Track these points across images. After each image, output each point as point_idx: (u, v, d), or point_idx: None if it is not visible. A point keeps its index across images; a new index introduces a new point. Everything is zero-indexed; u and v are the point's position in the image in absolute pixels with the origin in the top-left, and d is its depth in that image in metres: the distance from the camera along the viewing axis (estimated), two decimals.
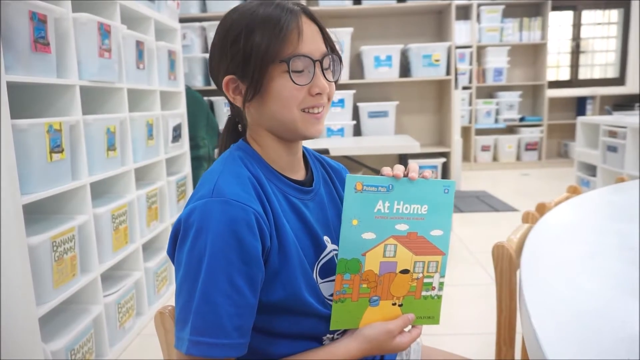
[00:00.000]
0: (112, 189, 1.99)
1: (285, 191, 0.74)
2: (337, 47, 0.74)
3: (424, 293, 0.74)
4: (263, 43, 0.67)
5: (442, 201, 0.70)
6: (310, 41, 0.69)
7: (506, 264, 0.89)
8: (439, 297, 0.75)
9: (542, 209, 1.24)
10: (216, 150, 0.84)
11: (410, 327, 0.76)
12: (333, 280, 0.75)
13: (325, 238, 0.77)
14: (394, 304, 0.74)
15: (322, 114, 0.73)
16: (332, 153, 2.45)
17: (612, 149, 3.49)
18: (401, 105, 3.44)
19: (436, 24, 3.48)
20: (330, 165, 0.88)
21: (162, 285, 2.29)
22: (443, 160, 3.32)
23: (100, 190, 1.95)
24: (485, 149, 5.74)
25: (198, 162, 2.96)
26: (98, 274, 1.70)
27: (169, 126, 2.43)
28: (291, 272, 0.69)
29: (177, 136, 2.55)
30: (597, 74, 6.07)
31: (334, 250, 0.78)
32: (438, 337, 1.88)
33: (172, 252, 0.68)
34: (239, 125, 0.81)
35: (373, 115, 3.32)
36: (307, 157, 0.84)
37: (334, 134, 3.29)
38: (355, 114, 3.37)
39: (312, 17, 0.71)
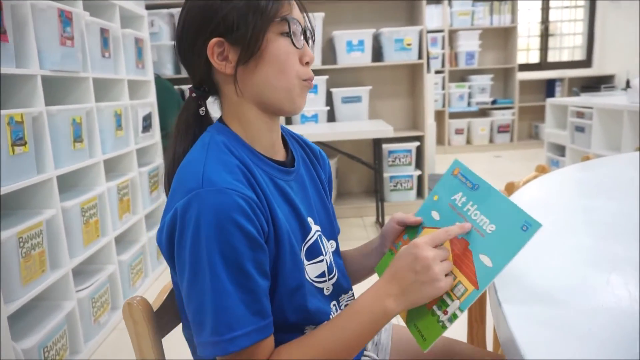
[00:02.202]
0: (81, 182, 1.94)
1: (271, 174, 0.71)
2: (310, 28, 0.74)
3: (435, 308, 0.64)
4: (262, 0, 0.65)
5: (514, 235, 0.59)
6: (297, 9, 0.70)
7: None
8: (444, 327, 0.62)
9: (510, 188, 1.26)
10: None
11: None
12: (320, 261, 0.75)
13: (309, 219, 0.75)
14: None
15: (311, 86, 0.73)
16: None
17: (580, 129, 3.58)
18: (374, 90, 3.44)
19: (408, 9, 3.48)
20: (308, 145, 0.86)
21: (138, 277, 2.26)
22: (417, 144, 3.35)
23: (69, 184, 1.90)
24: (458, 132, 5.81)
25: None
26: (69, 269, 1.67)
27: (138, 116, 2.38)
28: (283, 260, 0.67)
29: (147, 126, 2.50)
30: (565, 57, 6.18)
31: (318, 231, 0.76)
32: None
33: (170, 252, 0.63)
34: (200, 110, 0.74)
35: (347, 100, 3.32)
36: (285, 136, 0.81)
37: (308, 120, 3.27)
38: (329, 100, 3.36)
39: None
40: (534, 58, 6.18)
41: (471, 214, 0.65)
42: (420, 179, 3.44)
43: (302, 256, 0.72)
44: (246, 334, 0.59)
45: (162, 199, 2.66)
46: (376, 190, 3.12)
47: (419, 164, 3.44)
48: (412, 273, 0.63)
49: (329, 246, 0.79)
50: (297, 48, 0.68)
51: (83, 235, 1.78)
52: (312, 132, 2.72)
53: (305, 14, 0.73)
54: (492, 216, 0.62)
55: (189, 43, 0.69)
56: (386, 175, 3.33)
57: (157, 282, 2.44)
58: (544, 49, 6.13)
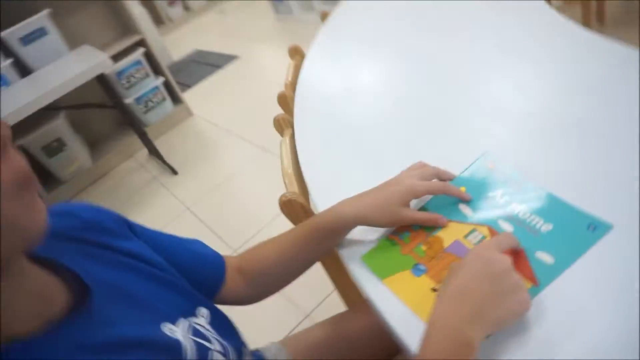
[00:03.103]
0: None
1: None
2: None
3: None
4: None
5: (580, 235, 0.55)
6: None
7: (300, 212, 0.77)
8: None
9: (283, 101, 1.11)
10: None
11: None
12: (215, 355, 0.53)
13: (167, 327, 0.50)
14: (434, 290, 0.57)
15: None
16: None
17: None
18: (56, 12, 2.67)
19: None
20: (77, 228, 0.54)
21: None
22: (142, 49, 2.86)
23: None
24: (170, 3, 5.25)
25: None
26: None
27: None
28: None
29: None
30: None
31: (189, 327, 0.52)
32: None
33: None
34: None
35: (28, 38, 2.50)
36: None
37: None
38: (7, 49, 2.53)
39: None
40: None
41: (518, 213, 0.61)
42: (167, 83, 3.05)
43: None
44: None
45: None
46: (130, 124, 2.67)
47: (157, 69, 3.01)
48: (487, 280, 0.47)
49: (204, 324, 0.55)
50: None
51: None
52: (9, 103, 2.07)
53: None
54: (547, 216, 0.59)
55: None
56: (130, 100, 2.86)
57: None
58: None
